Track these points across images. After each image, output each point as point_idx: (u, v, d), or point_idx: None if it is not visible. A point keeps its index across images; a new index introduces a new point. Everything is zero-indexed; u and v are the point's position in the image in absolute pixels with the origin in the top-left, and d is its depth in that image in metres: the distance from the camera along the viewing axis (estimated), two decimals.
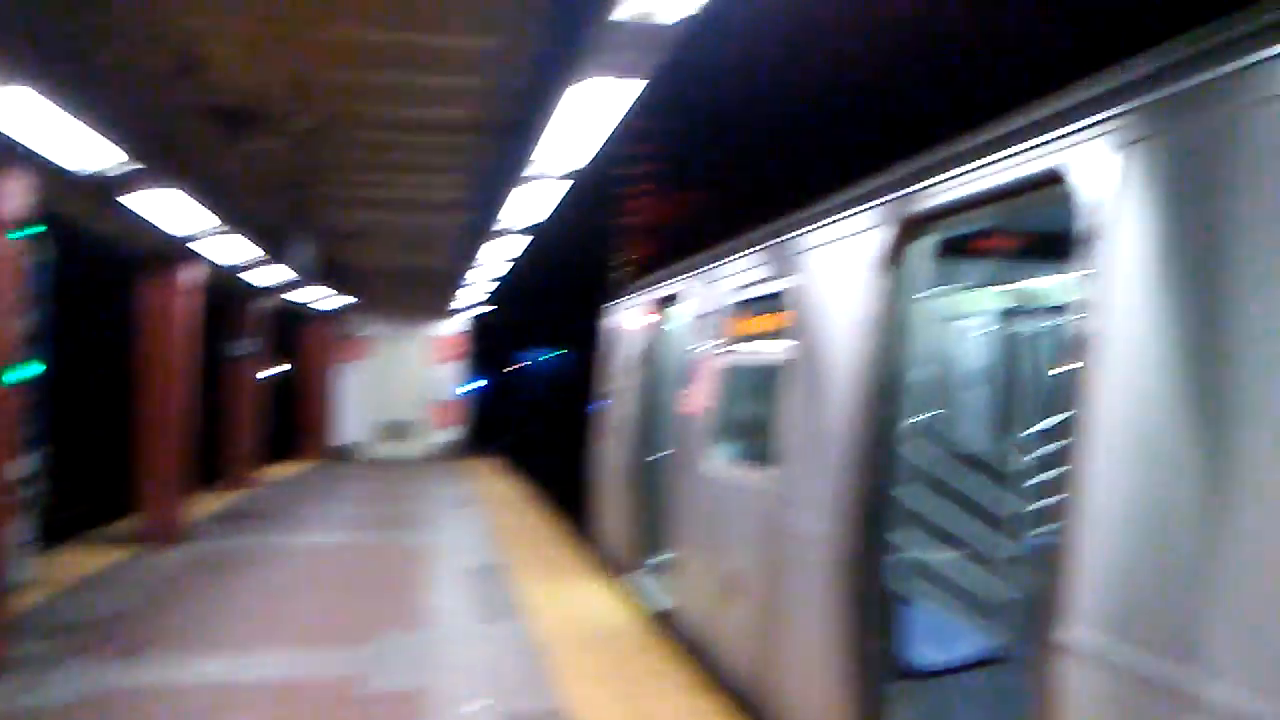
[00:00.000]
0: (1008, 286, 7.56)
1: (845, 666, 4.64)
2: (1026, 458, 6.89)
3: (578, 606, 8.38)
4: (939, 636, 5.11)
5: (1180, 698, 2.63)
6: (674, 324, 9.16)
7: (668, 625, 7.64)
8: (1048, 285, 7.54)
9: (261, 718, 5.66)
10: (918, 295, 4.70)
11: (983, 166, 3.92)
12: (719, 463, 6.75)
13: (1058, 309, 7.90)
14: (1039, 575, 6.73)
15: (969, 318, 9.17)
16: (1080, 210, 3.24)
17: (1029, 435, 7.41)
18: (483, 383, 32.68)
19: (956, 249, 5.25)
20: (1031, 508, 6.48)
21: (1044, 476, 6.99)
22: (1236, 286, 2.66)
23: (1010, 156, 3.71)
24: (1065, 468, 3.27)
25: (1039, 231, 6.69)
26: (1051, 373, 7.52)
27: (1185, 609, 2.67)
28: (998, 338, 8.96)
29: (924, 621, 4.97)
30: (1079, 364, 3.20)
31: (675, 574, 7.59)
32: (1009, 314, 8.69)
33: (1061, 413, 7.50)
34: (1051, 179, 3.52)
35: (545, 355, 40.96)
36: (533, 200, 10.05)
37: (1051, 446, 7.29)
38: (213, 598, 8.63)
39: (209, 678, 6.37)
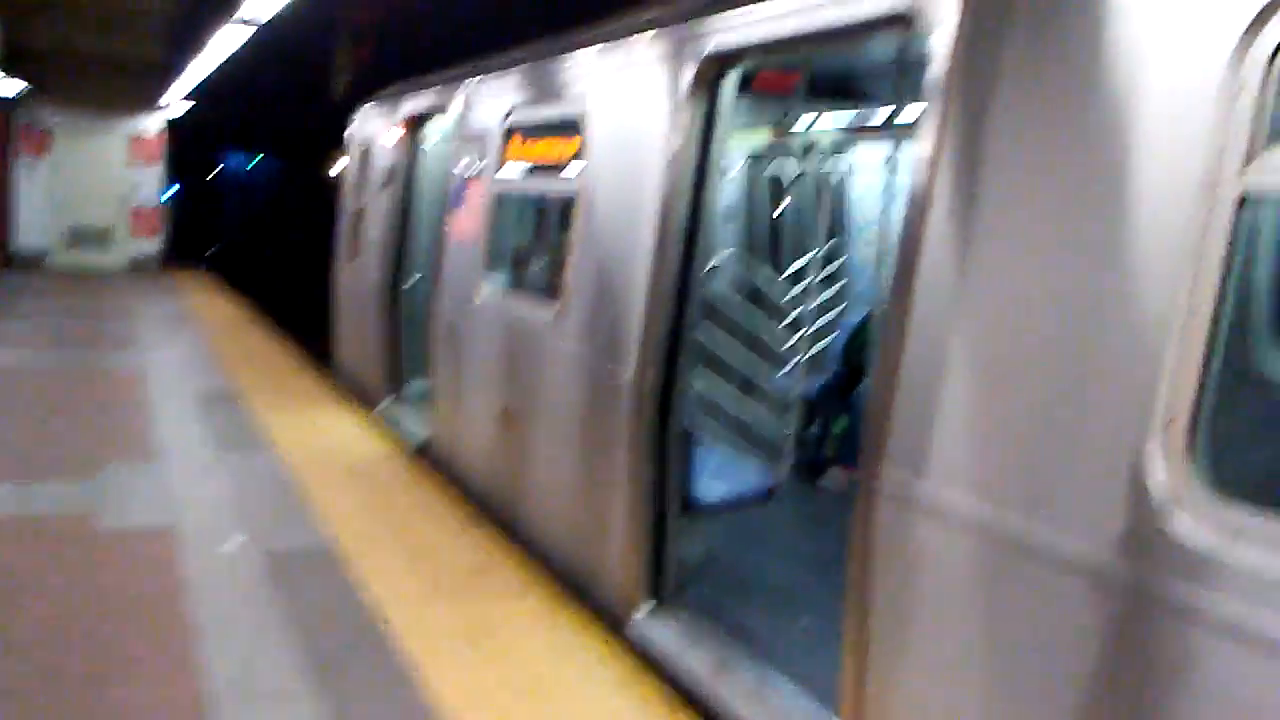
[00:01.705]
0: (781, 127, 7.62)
1: (633, 501, 4.66)
2: (797, 295, 7.13)
3: (327, 437, 8.00)
4: (719, 471, 5.23)
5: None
6: (436, 139, 8.63)
7: (427, 457, 7.45)
8: (813, 127, 7.64)
9: None
10: (722, 132, 4.57)
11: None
12: (493, 291, 6.49)
13: (826, 151, 8.07)
14: (808, 413, 7.09)
15: (742, 157, 9.21)
16: (927, 56, 3.16)
17: (798, 273, 7.66)
18: (190, 188, 30.10)
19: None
20: (806, 346, 6.73)
21: (818, 315, 7.27)
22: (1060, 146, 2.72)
23: None
24: (885, 316, 3.29)
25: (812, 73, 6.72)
26: (826, 211, 7.73)
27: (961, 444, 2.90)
28: (764, 177, 9.09)
29: (705, 456, 5.07)
30: (910, 217, 3.17)
31: (438, 405, 7.36)
32: (776, 154, 8.80)
33: (823, 250, 7.73)
34: (896, 20, 3.42)
35: (264, 162, 38.03)
36: None
37: (816, 283, 7.58)
38: None
39: None
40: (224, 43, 14.15)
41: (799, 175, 8.50)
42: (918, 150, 3.16)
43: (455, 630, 4.58)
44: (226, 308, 16.27)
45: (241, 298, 17.79)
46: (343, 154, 11.39)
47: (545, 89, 6.04)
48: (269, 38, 13.34)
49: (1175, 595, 2.31)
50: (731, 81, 4.50)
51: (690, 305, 4.58)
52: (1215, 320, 2.36)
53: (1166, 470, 2.37)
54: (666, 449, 4.61)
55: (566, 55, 5.78)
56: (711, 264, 6.91)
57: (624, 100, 5.09)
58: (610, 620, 4.75)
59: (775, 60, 4.51)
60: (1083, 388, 2.57)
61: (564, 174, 5.76)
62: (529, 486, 5.83)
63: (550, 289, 6.01)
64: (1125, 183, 2.52)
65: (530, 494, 5.80)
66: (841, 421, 7.30)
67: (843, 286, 8.28)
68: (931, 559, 3.00)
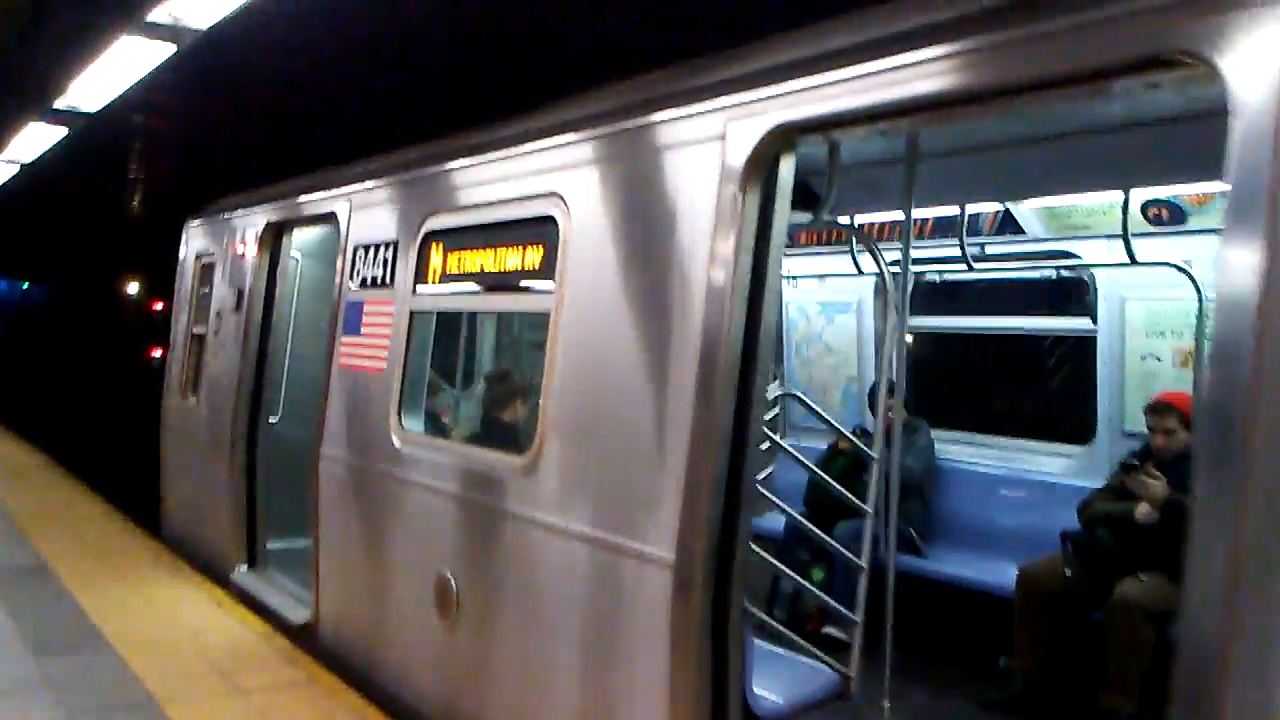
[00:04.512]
0: None
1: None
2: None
3: (173, 622, 6.30)
4: (778, 671, 4.07)
5: None
6: (309, 251, 7.30)
7: (310, 642, 5.92)
8: None
9: None
10: (780, 227, 3.55)
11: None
12: (417, 434, 5.19)
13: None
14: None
15: None
16: (1231, 117, 2.23)
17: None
18: None
19: None
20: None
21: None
22: None
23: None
24: (1196, 495, 2.27)
25: None
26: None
27: None
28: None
29: (760, 653, 3.90)
30: (1223, 353, 2.21)
31: (325, 576, 5.88)
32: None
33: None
34: (1144, 64, 2.45)
35: (38, 286, 34.58)
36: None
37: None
38: None
39: None
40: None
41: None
42: (1224, 252, 2.21)
43: None
44: (8, 452, 13.90)
45: (22, 440, 15.34)
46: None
47: (486, 185, 4.90)
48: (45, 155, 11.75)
49: None
50: (791, 163, 3.52)
51: (749, 453, 3.48)
52: None
53: None
54: (726, 645, 3.44)
55: (521, 143, 4.67)
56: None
57: (627, 191, 4.01)
58: None
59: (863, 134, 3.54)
60: None
61: (525, 288, 4.62)
62: (489, 691, 4.48)
63: (511, 432, 4.78)
64: None
65: (493, 702, 4.45)
66: (817, 571, 6.29)
67: (776, 415, 7.43)
68: None
